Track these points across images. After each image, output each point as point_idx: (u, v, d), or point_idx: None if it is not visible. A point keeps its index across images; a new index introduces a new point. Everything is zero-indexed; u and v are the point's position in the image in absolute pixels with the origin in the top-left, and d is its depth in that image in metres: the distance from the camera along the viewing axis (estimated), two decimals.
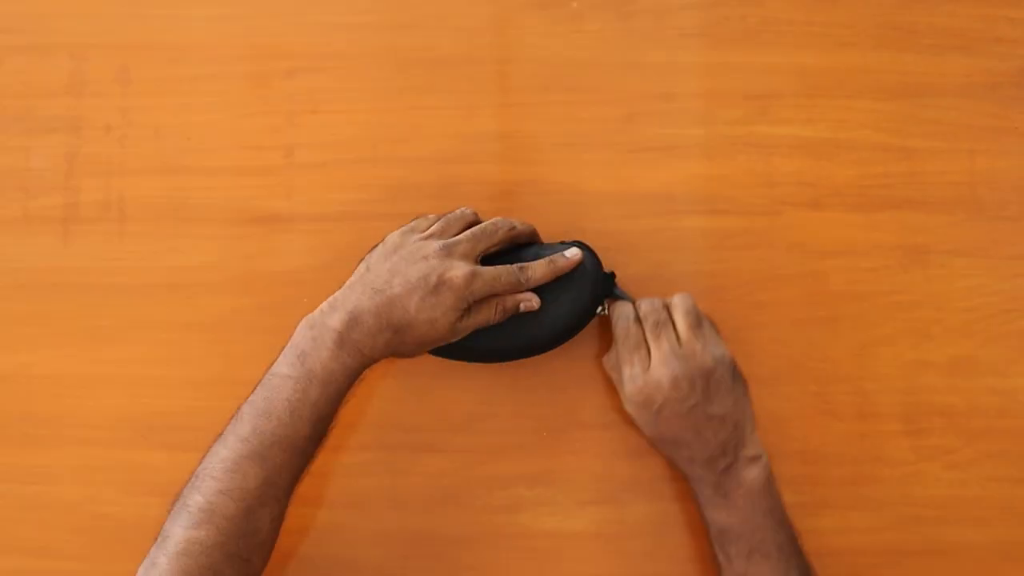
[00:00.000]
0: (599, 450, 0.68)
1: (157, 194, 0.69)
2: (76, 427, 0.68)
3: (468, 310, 0.59)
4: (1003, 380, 0.69)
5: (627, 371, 0.60)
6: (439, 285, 0.57)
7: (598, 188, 0.69)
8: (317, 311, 0.57)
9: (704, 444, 0.59)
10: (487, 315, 0.60)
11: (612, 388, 0.68)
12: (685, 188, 0.69)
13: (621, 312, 0.62)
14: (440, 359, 0.64)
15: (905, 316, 0.69)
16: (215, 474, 0.53)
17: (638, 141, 0.69)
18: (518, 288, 0.61)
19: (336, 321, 0.56)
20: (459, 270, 0.57)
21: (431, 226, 0.61)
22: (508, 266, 0.60)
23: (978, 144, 0.70)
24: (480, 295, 0.58)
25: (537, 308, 0.62)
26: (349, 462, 0.67)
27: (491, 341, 0.63)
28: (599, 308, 0.64)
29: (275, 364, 0.56)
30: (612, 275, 0.65)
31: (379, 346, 0.57)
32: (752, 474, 0.59)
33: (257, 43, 0.70)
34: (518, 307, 0.61)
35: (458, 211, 0.63)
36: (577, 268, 0.63)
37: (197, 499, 0.52)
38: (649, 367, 0.59)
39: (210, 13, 0.70)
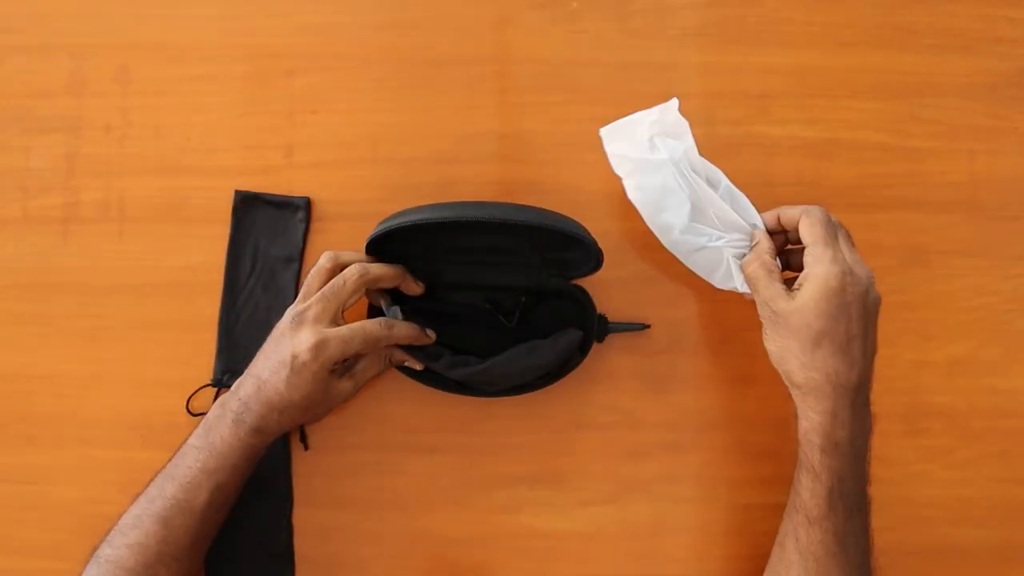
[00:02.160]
0: (599, 450, 0.68)
1: (157, 194, 0.69)
2: (76, 427, 0.68)
3: (347, 368, 0.62)
4: (1003, 380, 0.69)
5: (830, 252, 0.54)
6: (294, 362, 0.57)
7: (598, 188, 0.69)
8: (229, 390, 0.60)
9: (864, 353, 0.54)
10: (373, 369, 0.64)
11: (612, 388, 0.68)
12: None
13: (814, 211, 0.57)
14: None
15: (905, 316, 0.69)
16: (123, 529, 0.57)
17: None
18: (381, 341, 0.60)
19: (233, 403, 0.58)
20: (304, 343, 0.57)
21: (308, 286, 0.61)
22: (372, 321, 0.60)
23: (978, 144, 0.70)
24: (340, 357, 0.58)
25: (420, 368, 0.64)
26: (349, 462, 0.67)
27: (482, 383, 0.64)
28: None
29: (191, 434, 0.60)
30: (604, 317, 0.67)
31: (272, 425, 0.59)
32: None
33: (257, 43, 0.70)
34: (403, 362, 0.64)
35: (317, 264, 0.61)
36: (574, 310, 0.66)
37: (106, 551, 0.56)
38: (847, 258, 0.55)
39: (210, 13, 0.70)
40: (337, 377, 0.61)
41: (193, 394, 0.67)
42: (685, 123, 0.62)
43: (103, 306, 0.68)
